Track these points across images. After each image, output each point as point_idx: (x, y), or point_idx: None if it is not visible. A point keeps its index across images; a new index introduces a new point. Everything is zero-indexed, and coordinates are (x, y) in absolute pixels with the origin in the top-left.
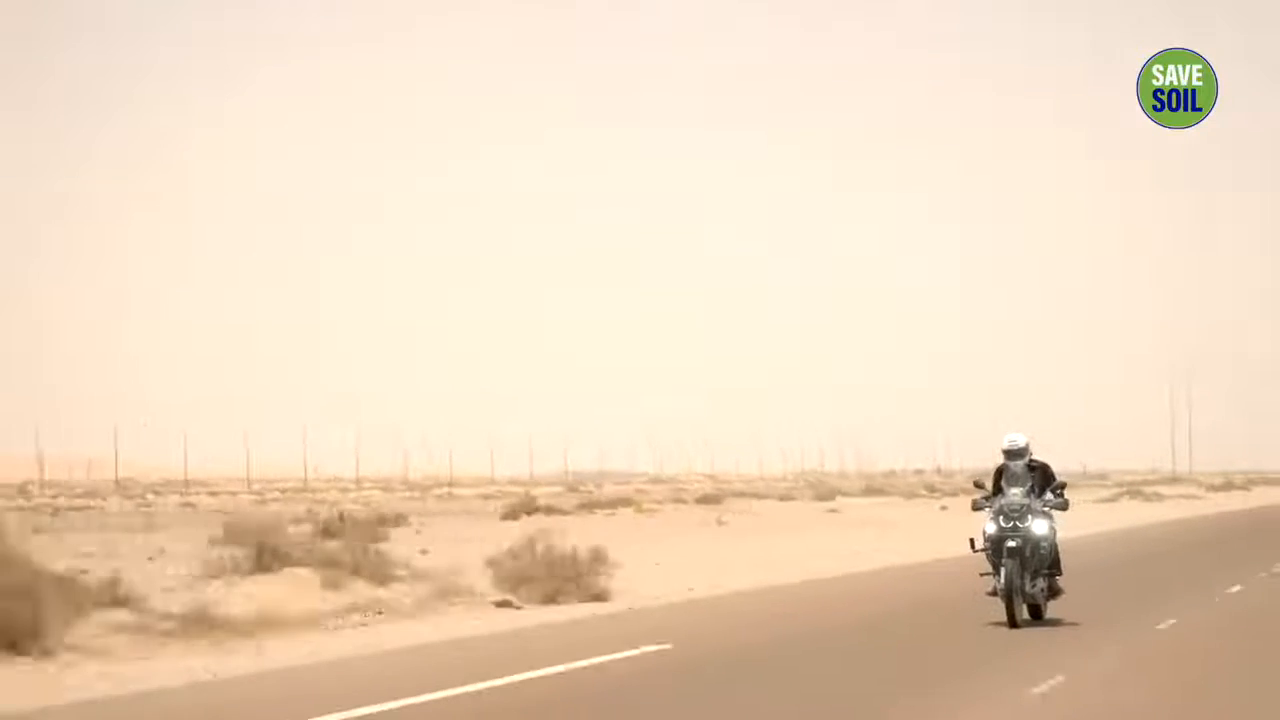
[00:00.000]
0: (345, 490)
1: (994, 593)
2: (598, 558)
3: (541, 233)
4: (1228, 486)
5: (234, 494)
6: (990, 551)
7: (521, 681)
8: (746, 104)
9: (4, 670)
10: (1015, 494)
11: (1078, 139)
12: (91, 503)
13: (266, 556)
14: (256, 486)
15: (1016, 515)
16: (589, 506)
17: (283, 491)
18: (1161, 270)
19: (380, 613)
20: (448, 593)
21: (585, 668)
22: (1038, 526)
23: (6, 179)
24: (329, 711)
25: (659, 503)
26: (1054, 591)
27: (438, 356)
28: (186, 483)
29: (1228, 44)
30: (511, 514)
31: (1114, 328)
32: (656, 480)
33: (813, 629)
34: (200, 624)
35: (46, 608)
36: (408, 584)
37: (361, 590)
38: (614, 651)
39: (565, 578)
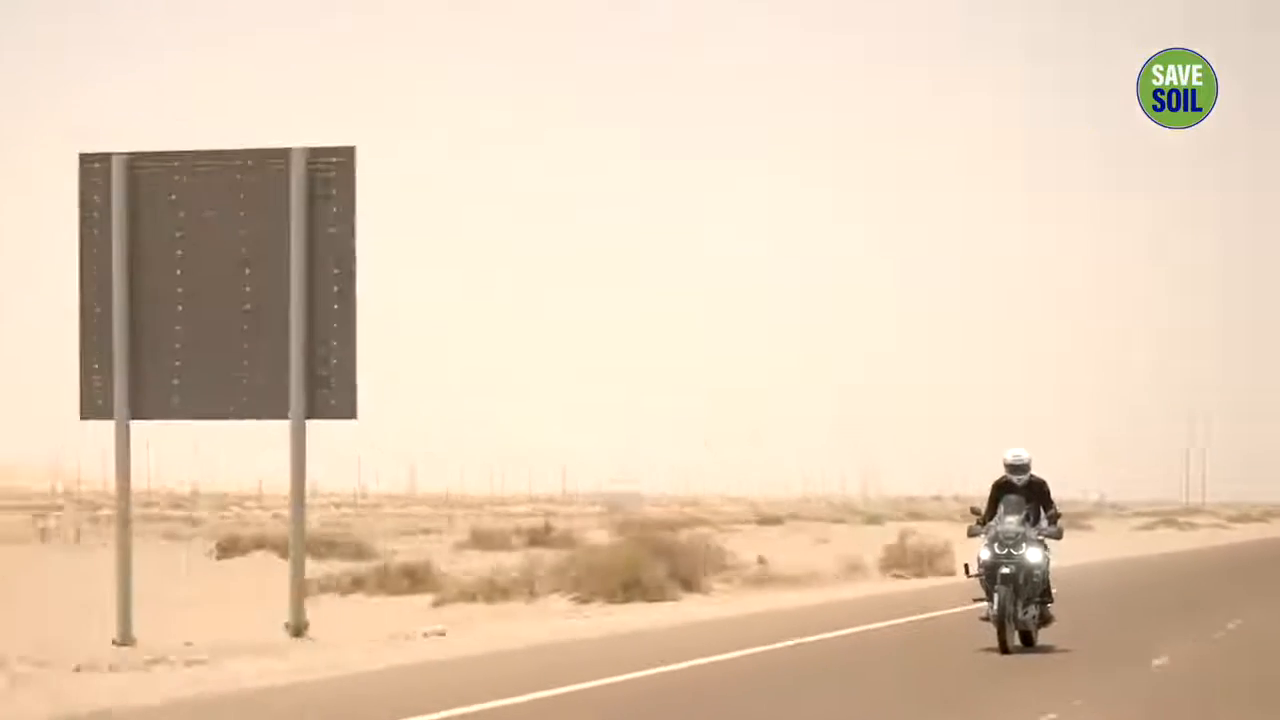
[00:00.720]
0: (377, 505)
1: (987, 618)
2: (946, 548)
3: (541, 232)
4: (1244, 519)
5: (269, 510)
6: (984, 577)
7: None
8: (746, 104)
9: (695, 598)
10: (1011, 521)
11: (1078, 139)
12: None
13: None
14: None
15: (1011, 543)
16: (670, 526)
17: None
18: (1167, 277)
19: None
20: (850, 570)
21: None
22: (1032, 555)
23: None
24: (914, 614)
25: (739, 524)
26: (1045, 619)
27: (432, 357)
28: (226, 495)
29: (1228, 44)
30: (620, 531)
31: (1115, 336)
32: (691, 502)
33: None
34: (760, 580)
35: (698, 565)
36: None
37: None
38: None
39: (925, 561)
